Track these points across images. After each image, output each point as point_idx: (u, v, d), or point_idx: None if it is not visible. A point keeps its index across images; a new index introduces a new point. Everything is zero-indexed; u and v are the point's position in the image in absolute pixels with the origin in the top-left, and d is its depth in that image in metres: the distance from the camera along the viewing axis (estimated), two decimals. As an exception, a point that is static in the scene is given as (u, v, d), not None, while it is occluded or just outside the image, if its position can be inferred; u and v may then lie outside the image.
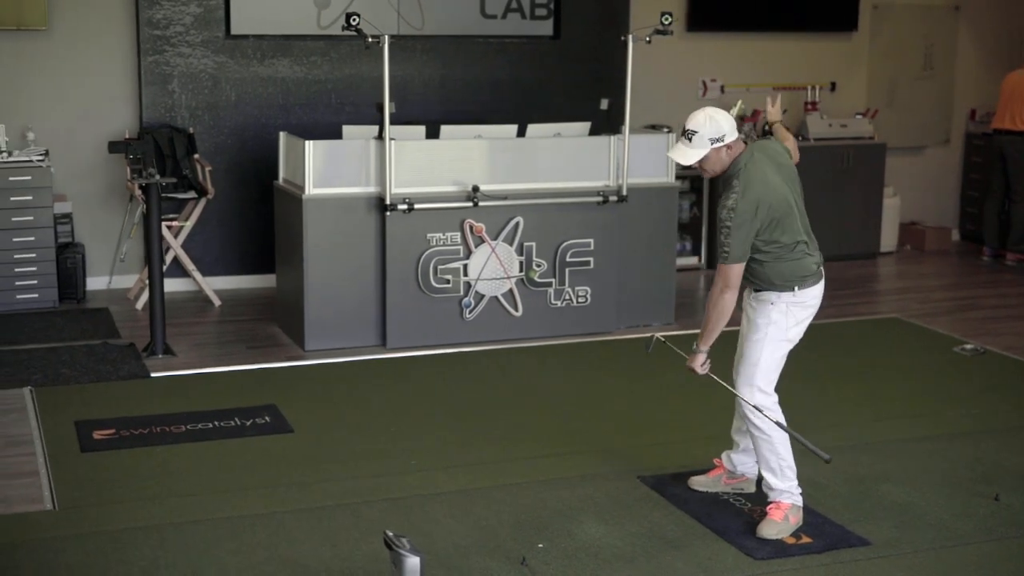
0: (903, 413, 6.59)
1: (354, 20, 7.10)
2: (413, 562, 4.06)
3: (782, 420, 4.98)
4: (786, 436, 4.97)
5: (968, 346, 7.83)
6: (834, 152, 10.50)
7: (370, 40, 7.22)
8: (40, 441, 5.93)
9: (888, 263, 10.75)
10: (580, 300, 7.95)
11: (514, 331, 7.81)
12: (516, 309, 7.80)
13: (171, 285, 8.89)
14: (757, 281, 4.95)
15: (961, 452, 5.96)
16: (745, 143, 4.91)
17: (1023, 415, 6.58)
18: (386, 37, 7.28)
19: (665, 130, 10.01)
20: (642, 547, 4.83)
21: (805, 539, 4.93)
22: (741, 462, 5.35)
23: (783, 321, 4.93)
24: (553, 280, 7.86)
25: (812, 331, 8.08)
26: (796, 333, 4.99)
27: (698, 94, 10.67)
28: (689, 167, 4.91)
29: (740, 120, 9.62)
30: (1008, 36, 11.54)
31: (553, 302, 7.90)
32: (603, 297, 7.98)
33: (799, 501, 5.04)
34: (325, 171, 7.44)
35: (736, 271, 4.81)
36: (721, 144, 4.82)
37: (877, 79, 11.25)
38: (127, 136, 8.73)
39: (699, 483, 5.40)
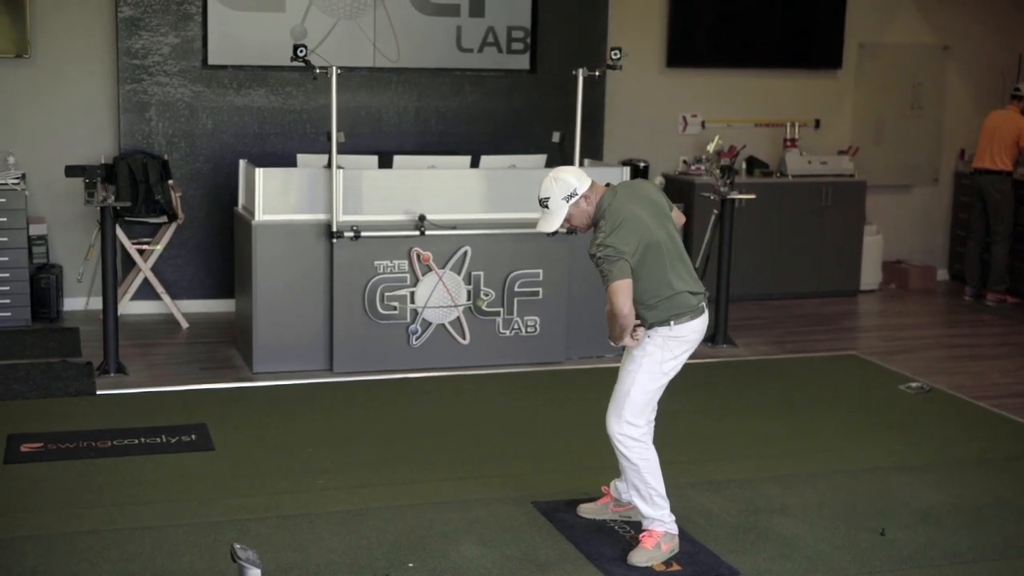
0: (825, 447, 6.63)
1: (301, 51, 7.30)
2: (254, 574, 4.19)
3: (652, 452, 5.05)
4: (655, 465, 5.05)
5: (914, 384, 7.85)
6: (813, 189, 10.55)
7: (318, 71, 7.42)
8: (-32, 452, 6.14)
9: (867, 301, 10.75)
10: (529, 330, 8.06)
11: (462, 359, 7.93)
12: (464, 337, 7.93)
13: (143, 307, 9.18)
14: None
15: (868, 487, 5.99)
16: (608, 186, 5.03)
17: (945, 452, 6.60)
18: (334, 68, 7.47)
19: (642, 164, 10.16)
20: (510, 570, 4.93)
21: (675, 567, 5.00)
22: (625, 490, 5.41)
23: (659, 354, 5.00)
24: (501, 309, 7.97)
25: (763, 365, 8.27)
26: (672, 367, 5.05)
27: (678, 129, 10.77)
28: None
29: (717, 155, 9.72)
30: (999, 76, 11.52)
31: (502, 331, 8.01)
32: (552, 328, 8.09)
33: (673, 529, 5.11)
34: (276, 198, 7.62)
35: (623, 287, 4.79)
36: (576, 197, 4.96)
37: (863, 117, 11.29)
38: (102, 161, 8.99)
39: (587, 510, 5.48)
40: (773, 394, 7.67)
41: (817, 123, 11.09)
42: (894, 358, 8.63)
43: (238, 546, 4.29)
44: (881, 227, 11.16)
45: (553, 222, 4.98)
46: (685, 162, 10.67)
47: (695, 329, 5.08)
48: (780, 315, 9.99)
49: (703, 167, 10.05)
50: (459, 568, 4.92)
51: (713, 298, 8.21)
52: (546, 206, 4.98)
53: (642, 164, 10.14)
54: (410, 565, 4.93)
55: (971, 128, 11.40)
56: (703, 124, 10.80)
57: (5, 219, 8.60)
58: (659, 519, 5.07)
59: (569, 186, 4.92)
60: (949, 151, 11.67)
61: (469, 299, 7.90)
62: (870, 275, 10.98)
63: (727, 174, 8.84)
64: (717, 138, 9.65)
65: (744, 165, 10.57)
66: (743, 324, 9.38)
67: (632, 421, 5.01)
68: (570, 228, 5.14)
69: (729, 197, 8.71)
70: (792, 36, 10.89)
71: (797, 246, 10.54)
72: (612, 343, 5.00)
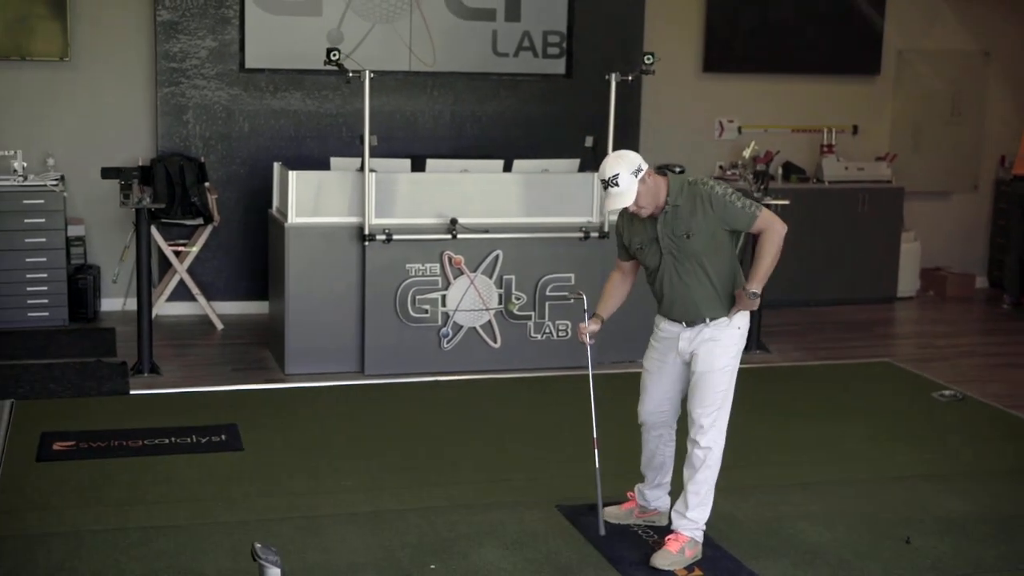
0: (853, 455, 6.59)
1: (334, 55, 7.35)
2: (273, 573, 4.23)
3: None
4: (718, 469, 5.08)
5: (947, 392, 7.79)
6: (849, 195, 10.50)
7: (351, 75, 7.47)
8: (1, 450, 6.21)
9: (904, 308, 10.68)
10: (560, 334, 8.07)
11: (492, 362, 7.95)
12: (495, 341, 7.95)
13: (179, 308, 9.28)
14: (725, 300, 5.02)
15: (895, 495, 5.96)
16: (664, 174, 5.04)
17: (974, 461, 6.55)
18: (367, 72, 7.52)
19: (677, 169, 10.12)
20: (532, 573, 4.94)
21: (698, 572, 4.99)
22: (655, 497, 5.42)
23: (741, 345, 5.09)
24: (533, 313, 7.99)
25: (795, 372, 8.23)
26: None
27: (714, 135, 10.75)
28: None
29: (753, 160, 9.71)
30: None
31: (533, 335, 8.03)
32: (583, 332, 8.07)
33: (699, 537, 5.10)
34: (309, 201, 7.68)
35: (770, 212, 5.01)
36: (642, 173, 4.90)
37: (902, 123, 11.22)
38: (140, 163, 9.08)
39: (611, 515, 5.47)
40: (803, 401, 7.64)
41: (855, 129, 11.03)
42: (928, 366, 8.56)
43: (259, 545, 4.32)
44: (919, 234, 11.08)
45: (627, 198, 4.86)
46: (721, 167, 10.65)
47: None
48: (815, 322, 9.94)
49: (738, 172, 10.02)
50: (480, 570, 4.94)
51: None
52: (616, 183, 4.86)
53: (677, 169, 10.04)
54: (432, 567, 4.95)
55: (1012, 134, 11.30)
56: (739, 129, 10.78)
57: (44, 220, 8.73)
58: (695, 523, 5.07)
59: (635, 162, 4.89)
60: (989, 158, 11.58)
61: (500, 303, 7.92)
62: (907, 282, 10.91)
63: (760, 179, 8.81)
64: (753, 143, 9.64)
65: (780, 171, 10.54)
66: (777, 330, 9.34)
67: (727, 419, 5.05)
68: (635, 211, 4.96)
69: (762, 203, 8.66)
70: (830, 42, 10.84)
71: (833, 252, 10.49)
72: (751, 303, 4.96)
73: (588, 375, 5.40)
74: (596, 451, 5.33)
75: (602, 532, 5.27)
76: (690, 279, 5.00)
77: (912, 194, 10.96)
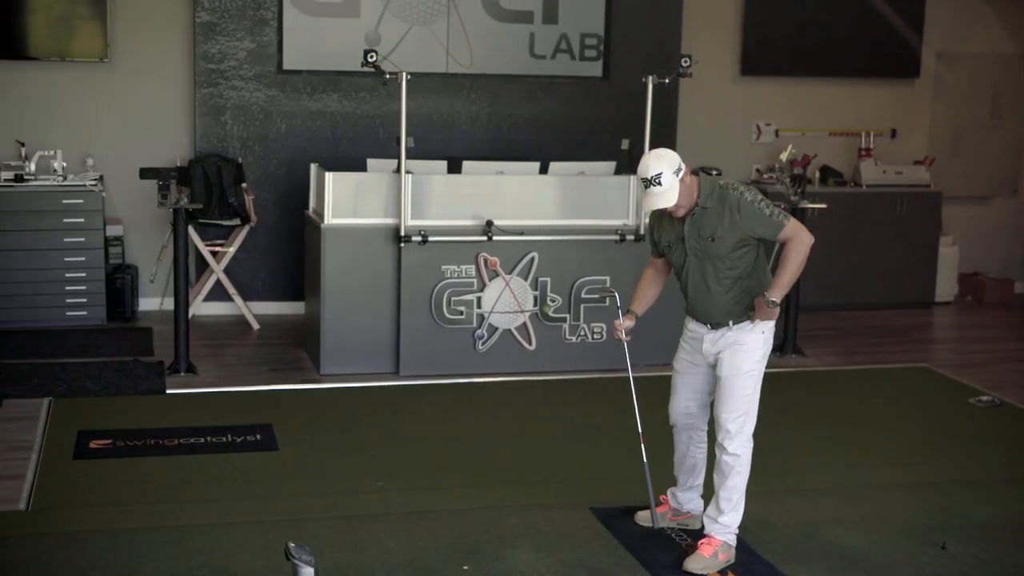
0: (890, 460, 6.55)
1: (371, 57, 7.38)
2: (307, 572, 4.25)
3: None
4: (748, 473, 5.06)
5: (984, 397, 7.73)
6: (887, 199, 10.43)
7: (387, 77, 7.49)
8: (39, 447, 6.27)
9: (942, 313, 10.60)
10: (596, 336, 8.06)
11: (527, 364, 7.96)
12: (530, 343, 7.95)
13: (216, 308, 9.33)
14: (748, 304, 5.00)
15: (930, 501, 5.91)
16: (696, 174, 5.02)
17: (1011, 467, 6.49)
18: (403, 74, 7.54)
19: (714, 172, 10.09)
20: (564, 575, 4.93)
21: (730, 576, 4.99)
22: (687, 500, 5.41)
23: (766, 349, 5.05)
24: (568, 316, 7.99)
25: (830, 376, 8.19)
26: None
27: (752, 138, 10.72)
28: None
29: (790, 164, 9.65)
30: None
31: (568, 338, 8.03)
32: (618, 334, 8.06)
33: (733, 541, 5.09)
34: (345, 202, 7.71)
35: (798, 222, 4.97)
36: (682, 172, 4.90)
37: (940, 127, 11.14)
38: (178, 163, 9.15)
39: (644, 518, 5.46)
40: (838, 405, 7.60)
41: (893, 133, 10.97)
42: (966, 371, 8.50)
43: (293, 544, 4.35)
44: (957, 238, 11.00)
45: (668, 198, 4.84)
46: (758, 171, 10.62)
47: None
48: (851, 326, 9.88)
49: (775, 176, 9.98)
50: (513, 572, 4.94)
51: (783, 307, 8.16)
52: (659, 183, 4.83)
53: (714, 172, 10.03)
54: (465, 568, 4.96)
55: (1054, 139, 11.24)
56: (777, 133, 10.74)
57: (83, 220, 8.80)
58: (727, 527, 5.05)
59: (675, 161, 4.89)
60: (1030, 162, 11.51)
61: (535, 305, 7.92)
62: (945, 287, 10.83)
63: (797, 183, 8.78)
64: (790, 147, 9.59)
65: (818, 174, 10.50)
66: (813, 334, 9.30)
67: (754, 424, 5.04)
68: (672, 210, 4.95)
69: (799, 206, 8.63)
70: (868, 45, 10.78)
71: (871, 257, 10.43)
72: (770, 312, 4.94)
73: (625, 375, 5.40)
74: (643, 447, 5.34)
75: (656, 526, 5.29)
76: (712, 282, 5.00)
77: (951, 198, 10.89)
